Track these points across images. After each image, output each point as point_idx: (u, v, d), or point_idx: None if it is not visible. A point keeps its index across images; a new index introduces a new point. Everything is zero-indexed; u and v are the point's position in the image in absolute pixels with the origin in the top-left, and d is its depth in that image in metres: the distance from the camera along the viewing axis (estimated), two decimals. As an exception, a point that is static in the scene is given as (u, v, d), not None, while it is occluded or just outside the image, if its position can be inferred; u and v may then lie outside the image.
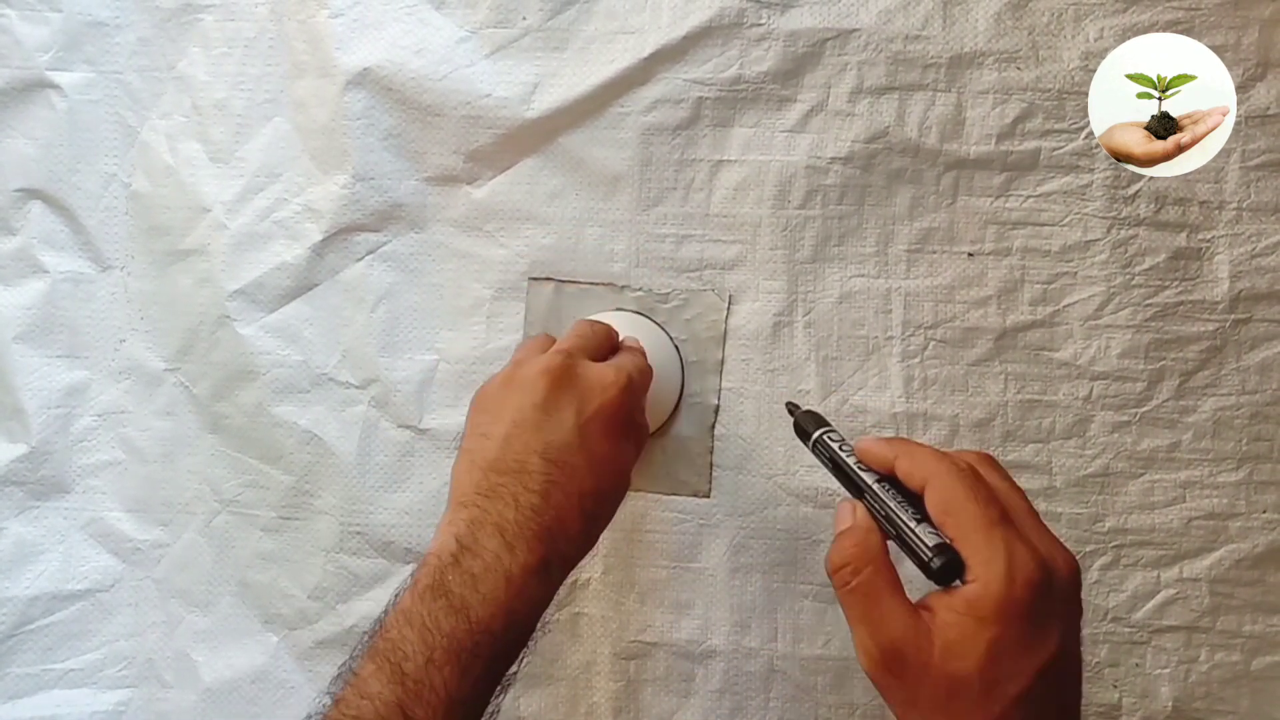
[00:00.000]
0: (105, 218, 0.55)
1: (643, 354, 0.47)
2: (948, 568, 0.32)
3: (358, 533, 0.53)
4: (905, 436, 0.51)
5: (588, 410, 0.39)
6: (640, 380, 0.43)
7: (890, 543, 0.35)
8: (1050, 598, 0.31)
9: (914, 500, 0.34)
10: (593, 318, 0.51)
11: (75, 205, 0.55)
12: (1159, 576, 0.51)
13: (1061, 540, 0.33)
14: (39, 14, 0.55)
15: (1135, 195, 0.52)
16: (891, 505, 0.35)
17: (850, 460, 0.37)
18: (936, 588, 0.33)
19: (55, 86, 0.55)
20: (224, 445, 0.54)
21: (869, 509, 0.35)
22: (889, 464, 0.35)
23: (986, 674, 0.31)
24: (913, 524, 0.33)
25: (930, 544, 0.32)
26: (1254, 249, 0.52)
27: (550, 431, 0.38)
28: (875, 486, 0.36)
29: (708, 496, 0.53)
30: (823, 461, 0.39)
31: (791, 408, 0.42)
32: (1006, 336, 0.53)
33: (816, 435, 0.39)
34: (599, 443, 0.39)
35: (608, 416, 0.40)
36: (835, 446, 0.38)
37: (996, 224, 0.53)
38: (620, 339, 0.48)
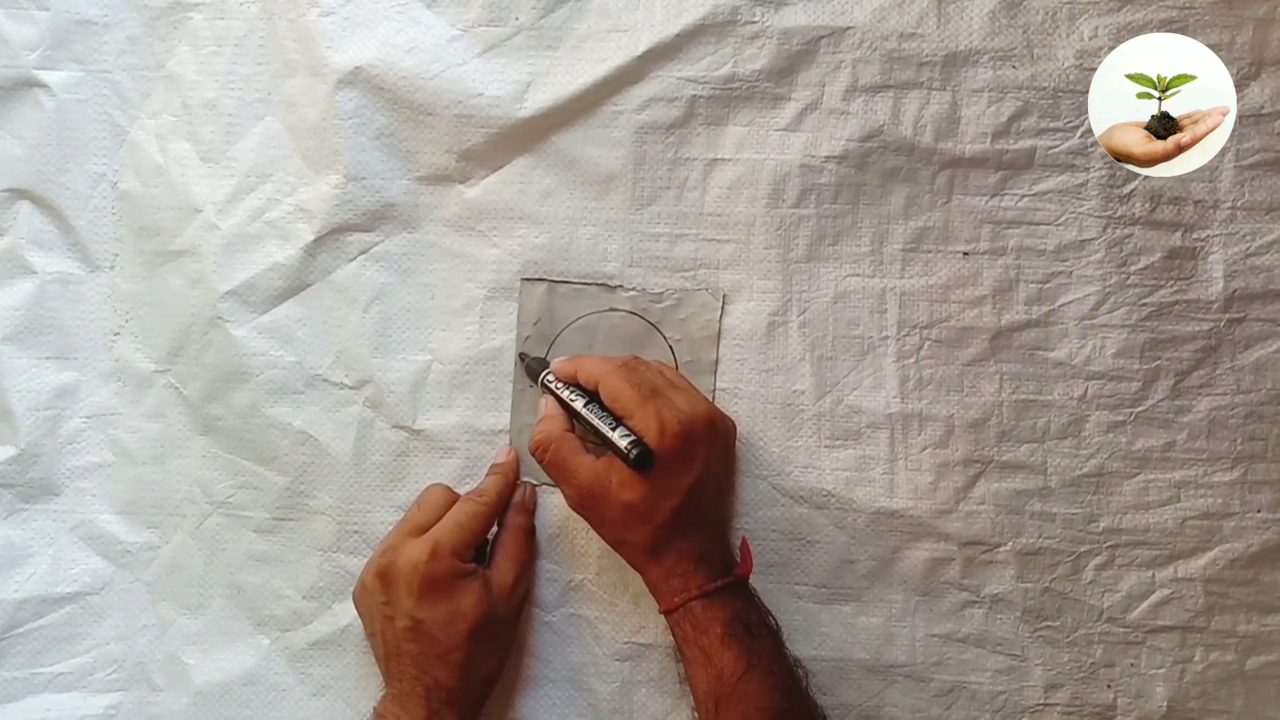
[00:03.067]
0: (94, 218, 0.55)
1: (489, 491, 0.51)
2: (641, 457, 0.44)
3: (355, 532, 0.53)
4: (895, 431, 0.51)
5: (409, 594, 0.47)
6: (459, 533, 0.48)
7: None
8: (691, 441, 0.45)
9: (607, 409, 0.47)
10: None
11: (64, 205, 0.54)
12: (1154, 576, 0.51)
13: (703, 396, 0.49)
14: (26, 12, 0.54)
15: (1130, 194, 0.52)
16: (595, 421, 0.46)
17: (565, 393, 0.49)
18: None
19: (43, 85, 0.54)
20: (216, 447, 0.54)
21: (581, 418, 0.47)
22: (573, 376, 0.49)
23: (647, 499, 0.45)
24: (611, 433, 0.45)
25: (624, 444, 0.44)
26: (1249, 248, 0.52)
27: (397, 623, 0.47)
28: (584, 410, 0.47)
29: (702, 497, 0.52)
30: (550, 393, 0.50)
31: (522, 356, 0.53)
32: (1001, 336, 0.52)
33: (541, 378, 0.51)
34: (428, 612, 0.46)
35: (420, 589, 0.47)
36: (553, 385, 0.50)
37: (991, 223, 0.53)
38: (495, 465, 0.53)
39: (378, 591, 0.47)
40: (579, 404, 0.48)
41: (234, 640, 0.53)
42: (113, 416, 0.55)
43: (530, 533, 0.52)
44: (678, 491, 0.45)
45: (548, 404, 0.50)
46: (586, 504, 0.46)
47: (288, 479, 0.53)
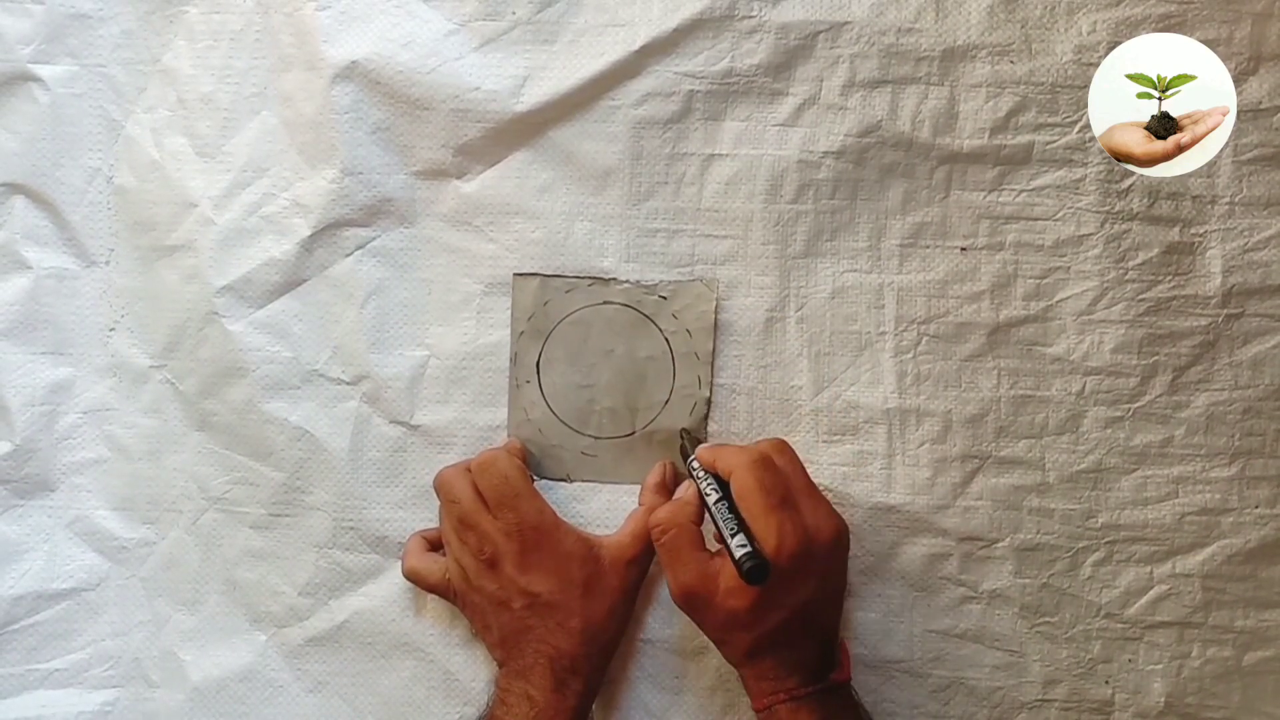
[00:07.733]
0: (89, 213, 0.55)
1: (499, 449, 0.52)
2: (753, 571, 0.41)
3: (351, 528, 0.53)
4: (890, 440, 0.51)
5: (514, 566, 0.48)
6: (505, 482, 0.49)
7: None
8: (808, 559, 0.43)
9: (734, 509, 0.45)
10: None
11: (59, 200, 0.54)
12: (1151, 572, 0.51)
13: (833, 510, 0.46)
14: (20, 6, 0.54)
15: (1128, 190, 0.52)
16: (718, 522, 0.44)
17: (702, 484, 0.47)
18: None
19: (38, 80, 0.54)
20: (212, 442, 0.54)
21: (710, 514, 0.46)
22: (712, 465, 0.47)
23: (752, 611, 0.43)
24: (730, 539, 0.43)
25: (739, 555, 0.42)
26: (1246, 243, 0.52)
27: (513, 605, 0.48)
28: (712, 507, 0.46)
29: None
30: (692, 479, 0.49)
31: (683, 433, 0.52)
32: (999, 332, 0.52)
33: (689, 459, 0.49)
34: (537, 578, 0.48)
35: (520, 552, 0.48)
36: (694, 470, 0.49)
37: (989, 218, 0.53)
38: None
39: (487, 581, 0.48)
40: (711, 499, 0.46)
41: (230, 636, 0.53)
42: (108, 412, 0.55)
43: None
44: (785, 606, 0.44)
45: (688, 490, 0.49)
46: (689, 600, 0.45)
47: (284, 475, 0.53)
